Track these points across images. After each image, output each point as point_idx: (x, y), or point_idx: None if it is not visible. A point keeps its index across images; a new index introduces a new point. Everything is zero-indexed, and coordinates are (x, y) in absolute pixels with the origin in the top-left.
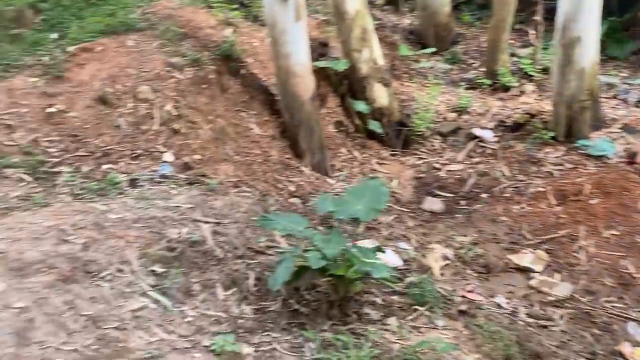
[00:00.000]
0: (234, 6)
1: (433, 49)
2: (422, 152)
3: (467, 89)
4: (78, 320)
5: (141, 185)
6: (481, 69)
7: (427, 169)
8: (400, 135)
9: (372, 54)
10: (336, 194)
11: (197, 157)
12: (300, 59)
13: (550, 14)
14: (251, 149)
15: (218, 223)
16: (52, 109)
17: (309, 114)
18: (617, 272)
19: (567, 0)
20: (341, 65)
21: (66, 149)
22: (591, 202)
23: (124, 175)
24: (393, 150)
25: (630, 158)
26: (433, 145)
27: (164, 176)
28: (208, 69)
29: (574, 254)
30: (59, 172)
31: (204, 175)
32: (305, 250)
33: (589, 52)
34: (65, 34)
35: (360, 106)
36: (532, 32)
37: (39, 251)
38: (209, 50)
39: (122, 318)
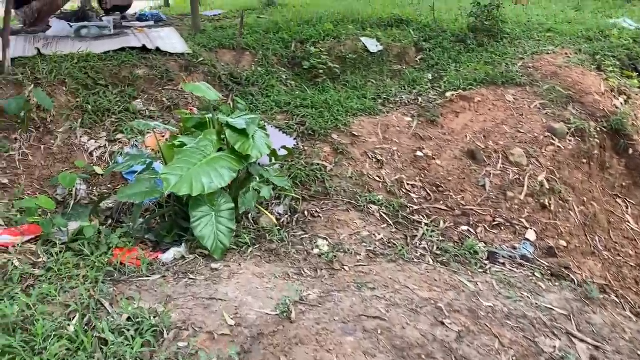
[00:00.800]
0: (629, 73)
1: None
2: None
3: None
4: None
5: (501, 263)
6: None
7: None
8: None
9: None
10: None
11: (563, 243)
12: None
13: None
14: (623, 246)
15: (597, 347)
16: (420, 153)
17: None
18: None
19: None
20: None
21: (427, 197)
22: None
23: (482, 244)
24: None
25: None
26: None
27: (524, 257)
28: (592, 141)
29: None
30: (418, 222)
31: (567, 268)
32: None
33: None
34: (441, 76)
35: None
36: None
37: (418, 329)
38: (595, 119)
39: None
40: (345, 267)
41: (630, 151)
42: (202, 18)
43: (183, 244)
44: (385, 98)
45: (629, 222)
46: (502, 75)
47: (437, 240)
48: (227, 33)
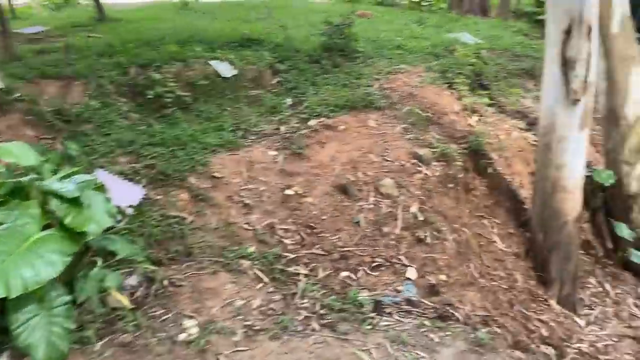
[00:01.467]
0: (480, 92)
1: None
2: None
3: None
4: None
5: (388, 313)
6: None
7: None
8: None
9: None
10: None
11: (443, 277)
12: (575, 173)
13: None
14: (495, 269)
15: None
16: (290, 191)
17: (570, 237)
18: None
19: None
20: (606, 178)
21: (302, 242)
22: None
23: (366, 292)
24: None
25: None
26: None
27: (410, 302)
28: (456, 165)
29: None
30: (296, 274)
31: (450, 305)
32: None
33: None
34: (301, 101)
35: (623, 231)
36: None
37: None
38: (455, 141)
39: None
40: (220, 357)
41: (490, 170)
42: (18, 38)
43: (4, 355)
44: (245, 129)
45: (496, 243)
46: (362, 99)
47: (320, 294)
48: (50, 58)
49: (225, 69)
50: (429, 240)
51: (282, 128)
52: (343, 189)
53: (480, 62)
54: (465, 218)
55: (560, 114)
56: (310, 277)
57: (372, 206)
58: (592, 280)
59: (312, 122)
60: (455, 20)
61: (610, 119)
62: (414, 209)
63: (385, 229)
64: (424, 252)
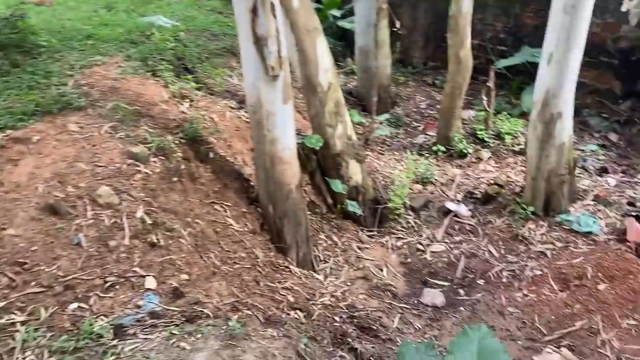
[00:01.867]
0: (186, 77)
1: (387, 115)
2: (398, 230)
3: (420, 155)
4: None
5: (132, 334)
6: (429, 133)
7: (411, 252)
8: (376, 213)
9: (346, 129)
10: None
11: (184, 277)
12: (288, 144)
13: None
14: (236, 251)
15: None
16: None
17: (296, 203)
18: None
19: (549, 78)
20: (316, 142)
21: (11, 284)
22: (599, 287)
23: (101, 318)
24: (370, 231)
25: (621, 236)
26: (408, 222)
27: (154, 314)
28: (176, 157)
29: (600, 351)
30: (12, 324)
31: (197, 303)
32: None
33: (568, 126)
34: None
35: (338, 186)
36: (484, 98)
37: None
38: (170, 132)
39: None
40: None
41: (211, 155)
42: None
43: None
44: None
45: (232, 225)
46: (56, 101)
47: (46, 340)
48: None
49: None
50: (162, 242)
51: None
52: (52, 210)
53: (180, 46)
54: (196, 209)
55: (263, 91)
56: (30, 322)
57: (91, 221)
58: (322, 235)
59: None
60: (148, 3)
61: (308, 88)
62: (140, 213)
63: (112, 243)
64: (160, 256)
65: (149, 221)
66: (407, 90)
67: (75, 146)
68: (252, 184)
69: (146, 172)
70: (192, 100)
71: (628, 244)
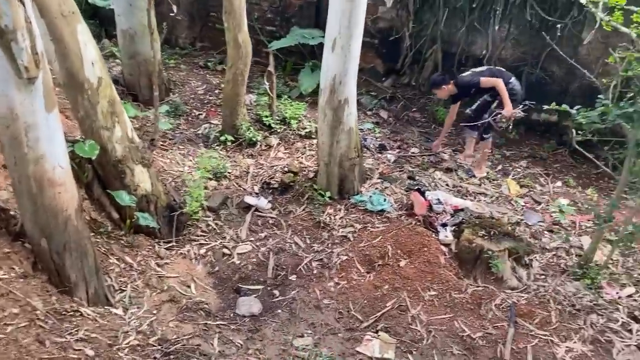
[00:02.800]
0: None
1: (166, 106)
2: (199, 236)
3: (208, 147)
4: None
5: None
6: (212, 122)
7: (217, 258)
8: (172, 222)
9: (126, 130)
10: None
11: None
12: (59, 161)
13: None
14: (4, 308)
15: None
16: None
17: (78, 231)
18: (458, 337)
19: (334, 64)
20: (90, 150)
21: None
22: (400, 264)
23: None
24: (167, 242)
25: (410, 210)
26: (208, 225)
27: None
28: None
29: (412, 327)
30: None
31: None
32: None
33: (354, 111)
34: None
35: (124, 198)
36: (266, 83)
37: None
38: None
39: None
40: None
41: None
42: None
43: None
44: None
45: None
46: None
47: None
48: None
49: None
50: None
51: None
52: None
53: None
54: None
55: (17, 99)
56: None
57: None
58: (113, 259)
59: None
60: None
61: (73, 86)
62: None
63: None
64: None
65: None
66: (180, 74)
67: None
68: (11, 213)
69: None
70: None
71: (417, 217)
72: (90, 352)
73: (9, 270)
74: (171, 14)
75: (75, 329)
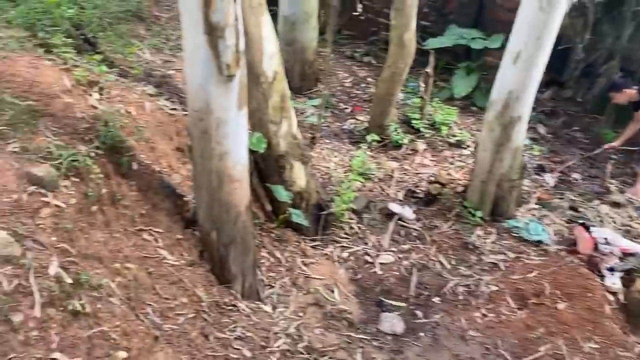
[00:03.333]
0: (89, 55)
1: (318, 99)
2: (342, 238)
3: (352, 143)
4: None
5: None
6: (358, 118)
7: (359, 264)
8: (318, 220)
9: (292, 126)
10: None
11: (123, 354)
12: (240, 159)
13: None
14: (175, 296)
15: None
16: None
17: (245, 227)
18: None
19: (513, 78)
20: (257, 143)
21: None
22: (558, 307)
23: None
24: (312, 240)
25: (571, 246)
26: (352, 228)
27: None
28: (94, 178)
29: None
30: None
31: None
32: None
33: (524, 129)
34: None
35: (282, 193)
36: (422, 84)
37: None
38: (82, 139)
39: None
40: None
41: (135, 166)
42: None
43: None
44: None
45: (166, 259)
46: None
47: None
48: None
49: None
50: (88, 308)
51: None
52: None
53: (75, 7)
54: (124, 246)
55: (214, 94)
56: None
57: None
58: (264, 252)
59: None
60: None
61: (250, 77)
62: (54, 268)
63: (17, 318)
64: (88, 328)
65: (68, 279)
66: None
67: None
68: (184, 199)
69: (57, 205)
70: (102, 89)
71: (579, 256)
72: (248, 353)
73: (179, 257)
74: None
75: (234, 325)
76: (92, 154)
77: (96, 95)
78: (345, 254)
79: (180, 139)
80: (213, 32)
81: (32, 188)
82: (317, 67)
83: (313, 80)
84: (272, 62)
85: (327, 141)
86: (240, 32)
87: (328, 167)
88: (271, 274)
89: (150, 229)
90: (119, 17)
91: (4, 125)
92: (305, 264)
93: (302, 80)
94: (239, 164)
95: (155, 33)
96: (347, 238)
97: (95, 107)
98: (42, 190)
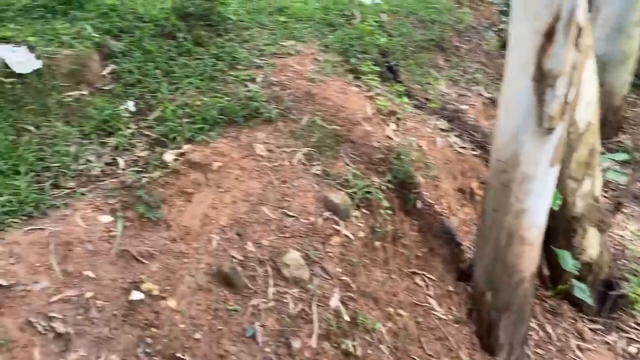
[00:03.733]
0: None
1: (622, 154)
2: (631, 328)
3: None
4: None
5: None
6: None
7: None
8: (604, 299)
9: (594, 186)
10: None
11: None
12: (538, 220)
13: None
14: (439, 355)
15: None
16: (139, 294)
17: (525, 296)
18: None
19: None
20: (554, 200)
21: None
22: None
23: None
24: (592, 321)
25: None
26: None
27: None
28: (383, 213)
29: None
30: None
31: None
32: None
33: None
34: (150, 106)
35: (568, 261)
36: None
37: None
38: (375, 170)
39: None
40: None
41: (419, 204)
42: None
43: None
44: (58, 172)
45: (434, 310)
46: (243, 105)
47: None
48: None
49: (20, 59)
50: (359, 351)
51: (121, 162)
52: (226, 279)
53: (383, 35)
54: (398, 289)
55: (527, 146)
56: None
57: (272, 303)
58: (533, 323)
59: (168, 156)
60: None
61: None
62: (335, 300)
63: (296, 344)
64: None
65: (345, 316)
66: (635, 110)
67: (262, 180)
68: (461, 247)
69: (346, 235)
70: (399, 119)
71: None
72: None
73: (447, 310)
74: None
75: None
76: (384, 187)
77: (393, 126)
78: (633, 349)
79: (464, 180)
80: (543, 80)
81: (327, 213)
82: (622, 114)
83: (615, 130)
84: (587, 111)
85: (624, 204)
86: (574, 81)
87: (622, 237)
88: (539, 351)
89: (423, 274)
90: (421, 45)
91: (312, 146)
92: (580, 349)
93: (602, 126)
94: (534, 226)
95: (454, 64)
96: (638, 328)
97: (390, 138)
98: (336, 218)
